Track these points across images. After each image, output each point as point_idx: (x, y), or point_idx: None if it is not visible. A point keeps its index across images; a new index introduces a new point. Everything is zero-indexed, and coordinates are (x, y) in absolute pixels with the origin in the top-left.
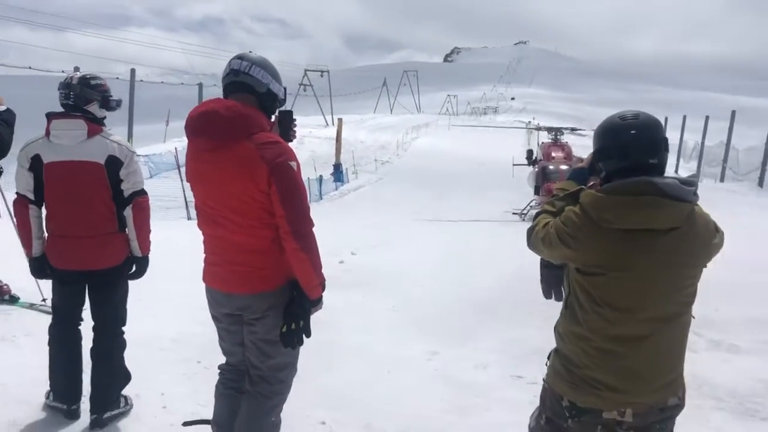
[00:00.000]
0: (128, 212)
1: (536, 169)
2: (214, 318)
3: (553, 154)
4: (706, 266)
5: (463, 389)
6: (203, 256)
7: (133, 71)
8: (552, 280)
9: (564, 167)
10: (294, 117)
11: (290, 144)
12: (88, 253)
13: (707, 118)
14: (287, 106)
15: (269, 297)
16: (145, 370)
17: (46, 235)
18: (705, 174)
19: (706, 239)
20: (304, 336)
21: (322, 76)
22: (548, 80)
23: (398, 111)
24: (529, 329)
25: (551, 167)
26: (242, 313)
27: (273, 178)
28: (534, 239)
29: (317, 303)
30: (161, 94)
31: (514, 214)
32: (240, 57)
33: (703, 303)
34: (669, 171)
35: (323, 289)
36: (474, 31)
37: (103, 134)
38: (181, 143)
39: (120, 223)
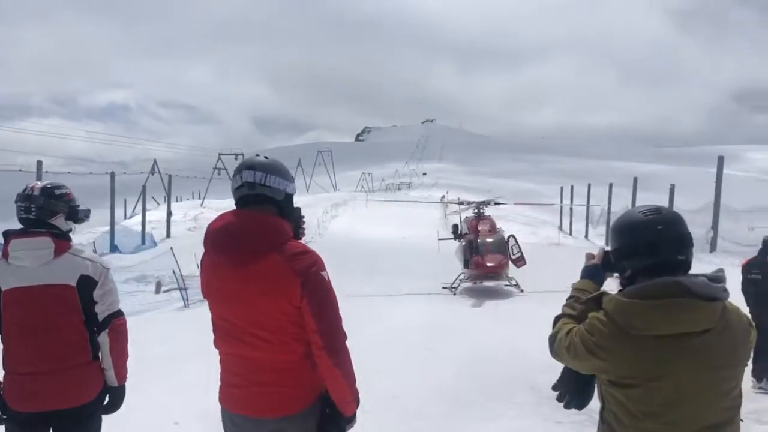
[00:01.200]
0: (104, 338)
1: (463, 243)
2: None
3: (479, 228)
4: (747, 365)
5: None
6: (219, 376)
7: (39, 162)
8: (575, 386)
9: (490, 240)
10: (302, 214)
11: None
12: (56, 391)
13: (611, 185)
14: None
15: (304, 418)
16: None
17: (2, 373)
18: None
19: (742, 336)
20: None
21: (236, 159)
22: (455, 156)
23: (314, 190)
24: (510, 420)
25: (478, 240)
26: None
27: (305, 292)
28: (558, 348)
29: (352, 420)
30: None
31: (444, 288)
32: (251, 167)
33: None
34: (579, 236)
35: (357, 404)
36: (383, 110)
37: (73, 251)
38: (93, 235)
39: (93, 351)
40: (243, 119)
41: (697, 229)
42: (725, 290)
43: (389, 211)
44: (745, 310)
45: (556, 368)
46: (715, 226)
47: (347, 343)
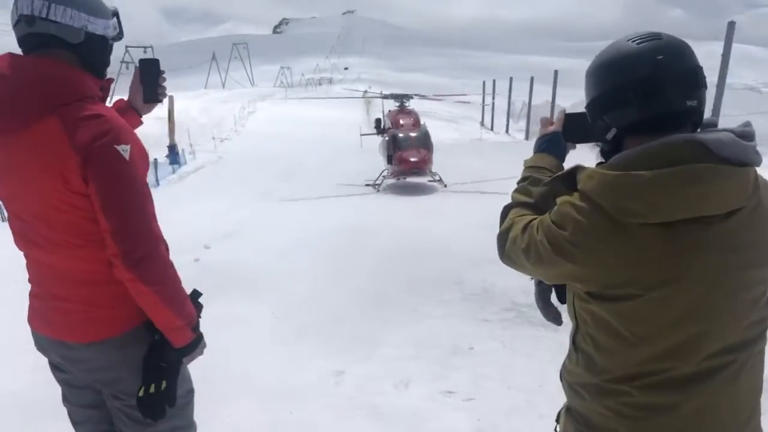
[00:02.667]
0: None
1: (386, 138)
2: (52, 366)
3: (402, 122)
4: None
5: (391, 422)
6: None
7: None
8: (550, 298)
9: (413, 134)
10: (161, 68)
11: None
12: None
13: (532, 78)
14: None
15: (120, 345)
16: None
17: None
18: (534, 132)
19: None
20: (167, 405)
21: (145, 52)
22: (377, 50)
23: (231, 85)
24: (435, 320)
25: (401, 135)
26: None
27: (89, 173)
28: (510, 250)
29: (188, 351)
30: None
31: (367, 185)
32: None
33: None
34: (500, 131)
35: (195, 330)
36: (300, 1)
37: None
38: None
39: None
40: (150, 10)
41: None
42: (757, 152)
43: (310, 107)
44: None
45: (482, 264)
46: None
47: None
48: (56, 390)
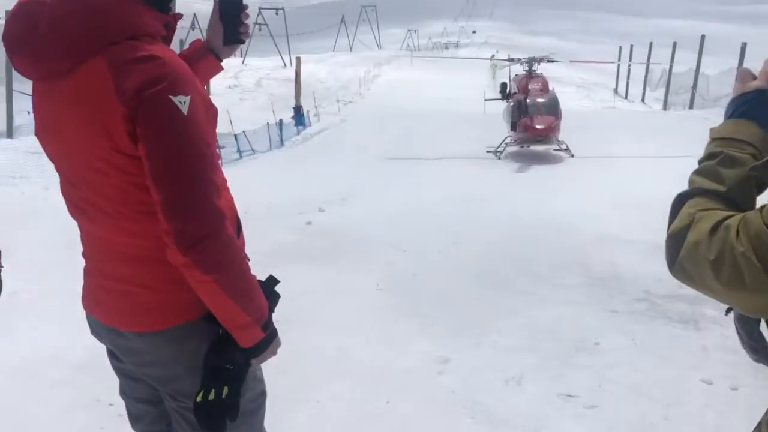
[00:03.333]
0: None
1: (512, 104)
2: (108, 352)
3: (530, 87)
4: None
5: (498, 427)
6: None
7: None
8: (758, 327)
9: (541, 100)
10: (245, 4)
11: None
12: None
13: (675, 44)
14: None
15: (175, 339)
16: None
17: None
18: (673, 102)
19: None
20: (227, 417)
21: (277, 13)
22: (507, 13)
23: (358, 49)
24: (554, 307)
25: (528, 100)
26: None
27: (139, 128)
28: (688, 259)
29: (257, 352)
30: None
31: (488, 152)
32: None
33: None
34: (635, 101)
35: (265, 328)
36: None
37: None
38: None
39: None
40: None
41: None
42: None
43: (435, 71)
44: None
45: (610, 245)
46: None
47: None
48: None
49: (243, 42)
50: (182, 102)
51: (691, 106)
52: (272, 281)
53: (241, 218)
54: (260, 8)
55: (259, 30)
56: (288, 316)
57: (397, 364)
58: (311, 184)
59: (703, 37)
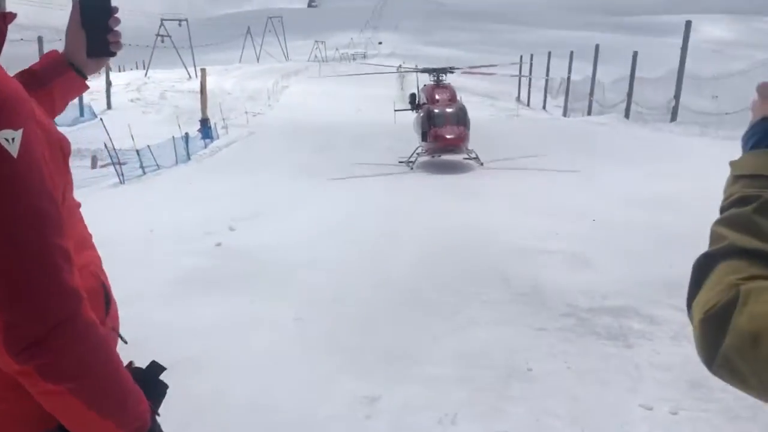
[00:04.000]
0: None
1: (421, 114)
2: None
3: (438, 97)
4: None
5: None
6: None
7: None
8: None
9: (450, 110)
10: (114, 6)
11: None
12: None
13: (572, 53)
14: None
15: None
16: None
17: None
18: (572, 108)
19: None
20: None
21: (180, 25)
22: (412, 24)
23: (265, 60)
24: (482, 329)
25: (437, 111)
26: None
27: None
28: (739, 355)
29: None
30: None
31: (400, 162)
32: None
33: None
34: (537, 108)
35: None
36: None
37: None
38: None
39: None
40: None
41: (659, 97)
42: None
43: (343, 83)
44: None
45: (529, 256)
46: (677, 95)
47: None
48: None
49: (113, 54)
50: (8, 140)
51: (589, 113)
52: (156, 369)
53: (146, 241)
54: (162, 20)
55: (162, 42)
56: (196, 357)
57: (321, 410)
58: (220, 201)
59: (597, 46)
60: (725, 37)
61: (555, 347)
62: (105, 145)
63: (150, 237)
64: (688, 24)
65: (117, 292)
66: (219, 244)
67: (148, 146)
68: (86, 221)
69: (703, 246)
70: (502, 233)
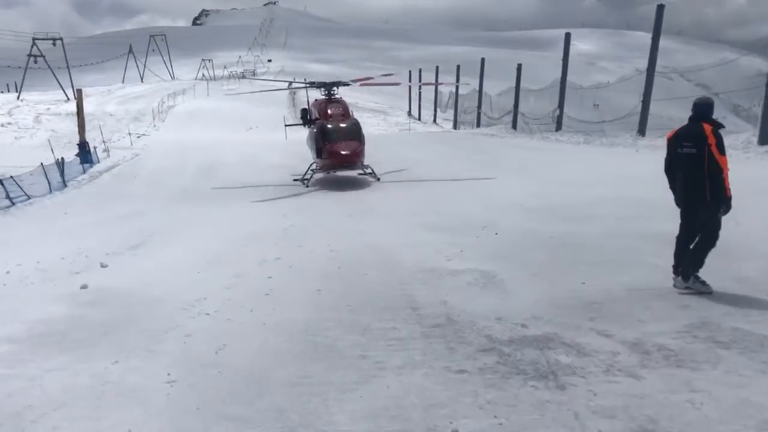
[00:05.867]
0: None
1: (314, 130)
2: None
3: (330, 111)
4: None
5: None
6: None
7: None
8: None
9: (343, 125)
10: None
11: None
12: None
13: (458, 67)
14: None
15: None
16: None
17: None
18: (462, 121)
19: None
20: None
21: (54, 44)
22: (300, 42)
23: (150, 79)
24: (394, 376)
25: (330, 126)
26: None
27: None
28: None
29: None
30: None
31: (295, 180)
32: None
33: None
34: (428, 121)
35: None
36: None
37: None
38: None
39: None
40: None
41: (545, 108)
42: None
43: (232, 101)
44: (667, 195)
45: (435, 278)
46: (561, 105)
47: None
48: None
49: None
50: None
51: (478, 125)
52: None
53: None
54: (33, 38)
55: (35, 62)
56: None
57: None
58: (96, 232)
59: (483, 60)
60: (595, 50)
61: (480, 396)
62: None
63: (5, 279)
64: (568, 36)
65: None
66: (85, 287)
67: (11, 177)
68: None
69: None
70: (406, 253)
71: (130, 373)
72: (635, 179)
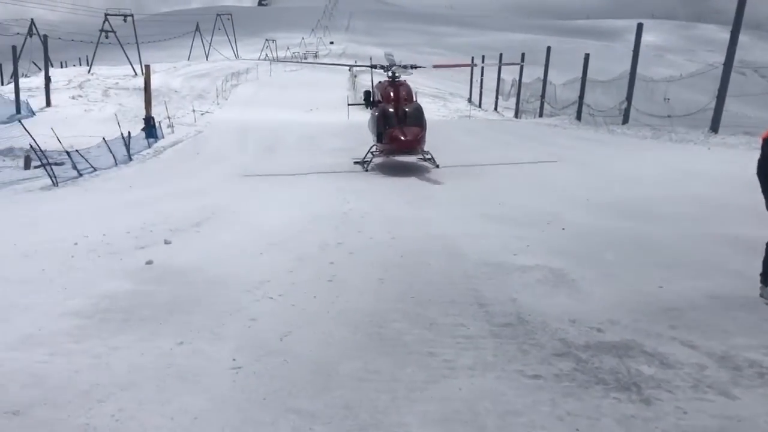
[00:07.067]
0: None
1: (376, 113)
2: None
3: (393, 95)
4: None
5: None
6: None
7: None
8: None
9: (406, 109)
10: None
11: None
12: None
13: (523, 54)
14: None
15: None
16: None
17: None
18: (524, 110)
19: None
20: None
21: (125, 20)
22: (363, 25)
23: (215, 57)
24: (465, 378)
25: (391, 110)
26: None
27: None
28: None
29: None
30: None
31: (355, 163)
32: None
33: None
34: (489, 109)
35: None
36: None
37: None
38: None
39: None
40: None
41: (612, 100)
42: None
43: (295, 81)
44: (745, 197)
45: (502, 273)
46: (629, 97)
47: None
48: None
49: None
50: None
51: (540, 114)
52: None
53: (68, 256)
54: (106, 14)
55: (106, 38)
56: (98, 428)
57: None
58: (160, 207)
59: (549, 48)
60: (662, 42)
61: (558, 405)
62: (31, 147)
63: (74, 251)
64: (640, 26)
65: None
66: (150, 263)
67: (77, 150)
68: (11, 228)
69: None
70: (469, 244)
71: (195, 355)
72: (708, 178)
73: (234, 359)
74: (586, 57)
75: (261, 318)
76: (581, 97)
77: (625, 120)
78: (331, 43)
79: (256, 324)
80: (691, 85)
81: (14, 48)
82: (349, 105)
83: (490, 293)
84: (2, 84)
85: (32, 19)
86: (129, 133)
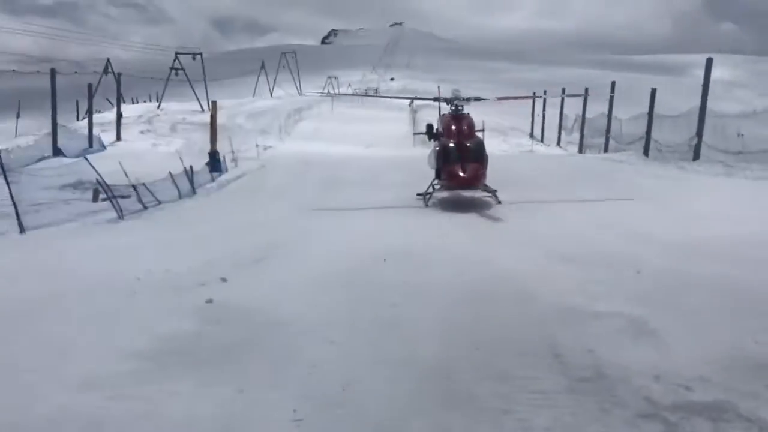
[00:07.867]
0: None
1: (437, 148)
2: None
3: (454, 128)
4: None
5: None
6: None
7: None
8: None
9: (467, 144)
10: None
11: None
12: None
13: (586, 89)
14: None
15: None
16: None
17: None
18: (588, 145)
19: None
20: None
21: (194, 59)
22: (423, 61)
23: (278, 94)
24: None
25: (452, 146)
26: None
27: None
28: None
29: None
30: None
31: (418, 196)
32: None
33: None
34: (551, 144)
35: None
36: (348, 12)
37: None
38: (32, 138)
39: None
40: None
41: (680, 136)
42: None
43: (356, 117)
44: None
45: (578, 321)
46: (699, 132)
47: None
48: None
49: None
50: None
51: (605, 149)
52: None
53: (129, 292)
54: (176, 53)
55: (176, 75)
56: None
57: None
58: (222, 242)
59: (613, 83)
60: (730, 77)
61: None
62: (96, 180)
63: (136, 286)
64: (709, 61)
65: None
66: (210, 301)
67: (143, 184)
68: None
69: None
70: (540, 287)
71: (256, 406)
72: None
73: (294, 410)
74: (653, 91)
75: (321, 364)
76: (648, 132)
77: (696, 156)
78: (392, 79)
79: (316, 371)
80: (764, 121)
81: (90, 85)
82: (414, 134)
83: (565, 343)
84: (77, 119)
85: (108, 59)
86: (191, 167)
